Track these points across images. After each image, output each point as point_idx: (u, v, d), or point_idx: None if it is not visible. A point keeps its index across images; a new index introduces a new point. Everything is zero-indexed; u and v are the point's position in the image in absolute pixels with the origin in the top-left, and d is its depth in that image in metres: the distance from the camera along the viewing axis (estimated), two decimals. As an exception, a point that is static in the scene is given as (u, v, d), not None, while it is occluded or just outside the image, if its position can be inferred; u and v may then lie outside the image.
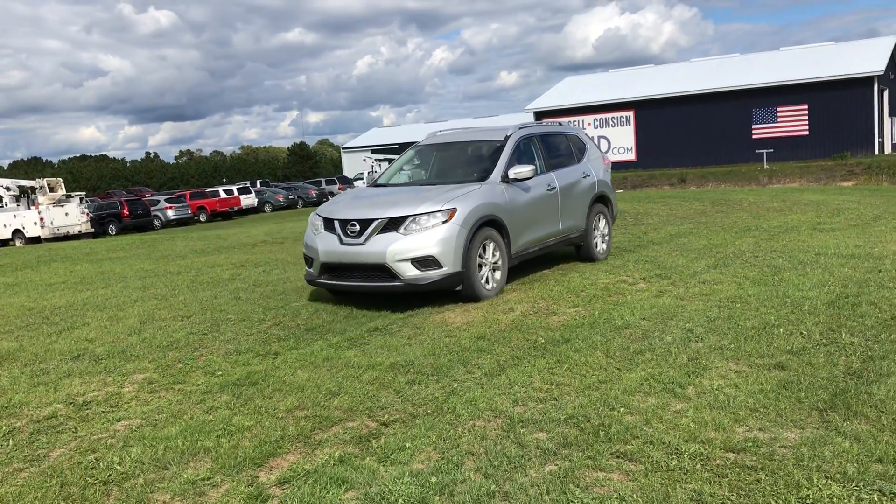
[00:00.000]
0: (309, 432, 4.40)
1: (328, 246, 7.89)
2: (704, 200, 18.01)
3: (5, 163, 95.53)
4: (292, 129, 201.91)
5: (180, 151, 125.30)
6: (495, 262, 8.05)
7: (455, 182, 8.42)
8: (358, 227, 7.71)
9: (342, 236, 7.80)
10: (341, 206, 8.34)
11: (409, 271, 7.46)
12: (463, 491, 3.53)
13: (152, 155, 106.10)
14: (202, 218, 42.19)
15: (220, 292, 9.26)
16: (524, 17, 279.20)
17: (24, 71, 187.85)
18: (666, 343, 5.71)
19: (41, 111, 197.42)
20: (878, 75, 35.62)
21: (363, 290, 7.90)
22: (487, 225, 7.91)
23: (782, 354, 5.27)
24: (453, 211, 7.59)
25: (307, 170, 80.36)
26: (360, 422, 4.53)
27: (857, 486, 3.35)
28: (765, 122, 38.54)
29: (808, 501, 3.26)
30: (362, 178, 50.23)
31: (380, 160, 50.93)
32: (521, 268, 9.07)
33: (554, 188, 9.11)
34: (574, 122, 39.17)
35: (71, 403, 5.19)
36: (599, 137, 42.34)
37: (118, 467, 4.04)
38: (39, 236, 29.94)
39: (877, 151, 36.18)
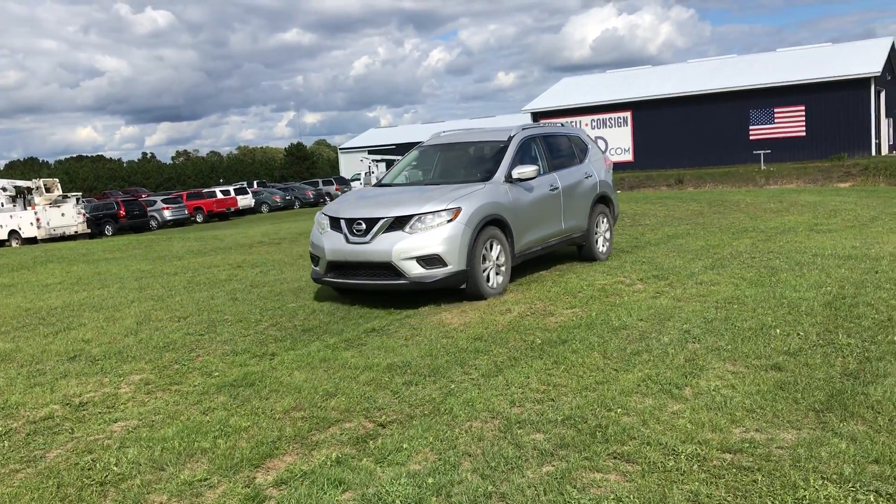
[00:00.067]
0: (306, 433, 4.39)
1: (334, 244, 7.96)
2: (702, 201, 18.03)
3: (1, 163, 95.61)
4: (289, 130, 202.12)
5: (177, 152, 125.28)
6: (499, 261, 8.13)
7: (459, 182, 8.50)
8: (364, 225, 7.78)
9: (348, 235, 7.87)
10: (347, 205, 8.40)
11: (415, 269, 7.53)
12: (460, 492, 3.53)
13: (149, 155, 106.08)
14: (199, 219, 42.16)
15: (216, 293, 9.25)
16: (522, 18, 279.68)
17: (21, 71, 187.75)
18: (663, 344, 5.72)
19: (38, 111, 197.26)
20: (875, 76, 35.70)
21: (369, 288, 7.97)
22: (491, 224, 7.99)
23: (779, 355, 5.27)
24: (458, 210, 7.67)
25: (304, 170, 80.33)
26: (357, 423, 4.53)
27: (853, 486, 3.36)
28: (762, 124, 38.61)
29: (804, 502, 3.26)
30: (359, 179, 50.21)
31: (377, 161, 50.95)
32: (518, 269, 9.07)
33: (557, 188, 9.19)
34: (571, 122, 39.13)
35: (67, 404, 5.18)
36: (597, 138, 42.34)
37: (115, 468, 4.04)
38: (36, 237, 29.88)
39: (873, 153, 36.26)
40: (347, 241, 7.86)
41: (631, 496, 3.39)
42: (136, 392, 5.38)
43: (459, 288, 7.80)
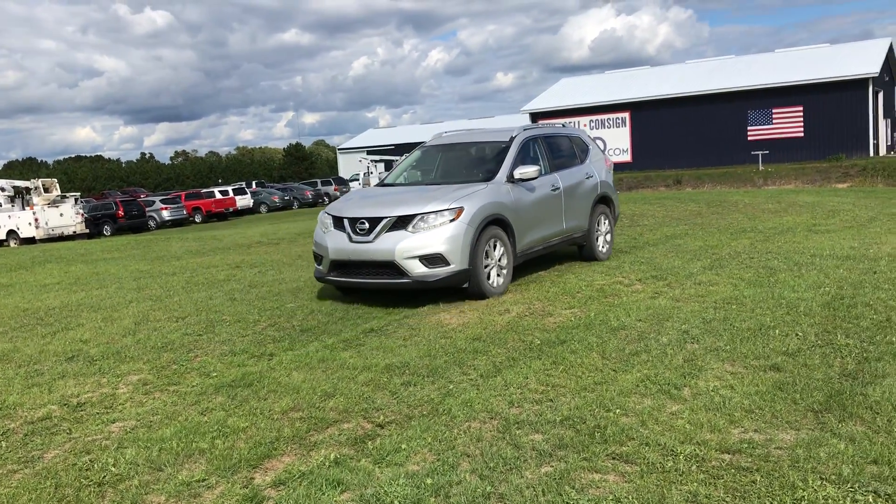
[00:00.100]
0: (304, 434, 4.39)
1: (338, 243, 8.01)
2: (700, 202, 18.04)
3: (0, 163, 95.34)
4: (288, 130, 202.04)
5: (176, 152, 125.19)
6: (501, 261, 8.19)
7: (461, 182, 8.56)
8: (367, 225, 7.84)
9: (352, 234, 7.93)
10: (351, 204, 8.46)
11: (418, 268, 7.59)
12: (458, 492, 3.52)
13: (148, 156, 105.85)
14: (197, 219, 42.15)
15: (215, 293, 9.24)
16: (520, 19, 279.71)
17: (20, 71, 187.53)
18: (662, 344, 5.72)
19: (36, 111, 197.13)
20: (873, 77, 35.73)
21: (372, 287, 8.02)
22: (494, 224, 8.06)
23: (778, 356, 5.28)
24: (460, 210, 7.72)
25: (303, 171, 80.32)
26: (355, 423, 4.52)
27: (852, 487, 3.36)
28: (760, 124, 38.63)
29: (803, 502, 3.26)
30: (358, 179, 50.18)
31: (376, 161, 50.90)
32: (517, 269, 9.07)
33: (558, 188, 9.25)
34: (570, 123, 39.19)
35: (65, 405, 5.17)
36: (595, 139, 42.28)
37: (113, 469, 4.03)
38: (34, 237, 29.85)
39: (871, 153, 36.29)
40: (351, 240, 7.91)
41: (629, 497, 3.39)
42: (134, 392, 5.37)
43: (462, 287, 7.85)
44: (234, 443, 4.29)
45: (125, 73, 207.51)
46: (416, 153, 10.04)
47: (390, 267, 7.68)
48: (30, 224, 30.18)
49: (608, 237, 10.36)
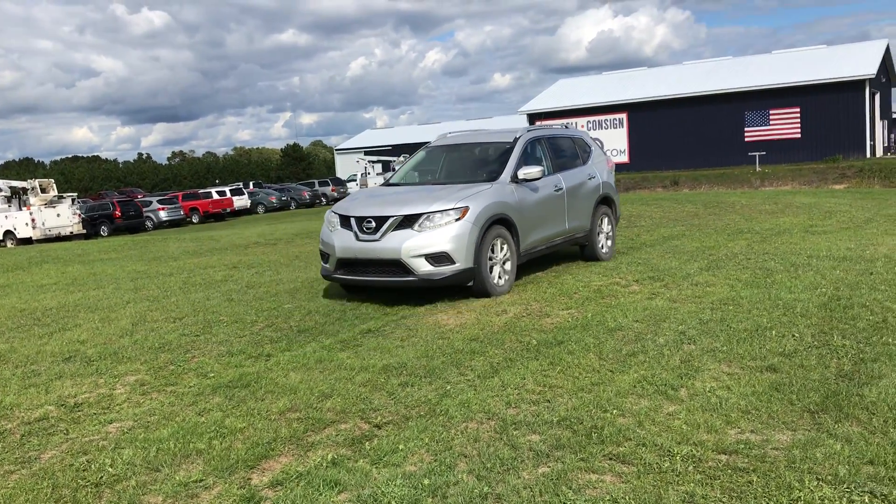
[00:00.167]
0: (301, 434, 4.39)
1: (344, 242, 8.09)
2: (697, 203, 18.07)
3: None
4: (285, 131, 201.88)
5: (173, 152, 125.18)
6: (505, 260, 8.27)
7: (466, 182, 8.64)
8: (374, 223, 7.92)
9: (358, 233, 8.01)
10: (357, 203, 8.55)
11: (424, 267, 7.67)
12: (456, 493, 3.53)
13: (145, 156, 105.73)
14: (195, 219, 42.07)
15: (212, 294, 9.24)
16: (518, 19, 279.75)
17: (17, 71, 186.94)
18: (658, 345, 5.73)
19: (33, 111, 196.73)
20: (870, 78, 35.79)
21: (378, 285, 8.10)
22: (498, 223, 8.14)
23: (774, 357, 5.29)
24: (466, 209, 7.81)
25: (300, 171, 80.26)
26: (352, 424, 4.53)
27: (848, 487, 3.37)
28: (757, 125, 38.67)
29: (799, 503, 3.27)
30: (355, 180, 50.18)
31: (373, 162, 50.93)
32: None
33: (561, 189, 9.34)
34: (567, 124, 39.20)
35: (62, 405, 5.17)
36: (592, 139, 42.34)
37: (110, 469, 4.03)
38: (31, 237, 29.81)
39: (868, 154, 36.35)
40: (357, 238, 8.00)
41: (626, 497, 3.39)
42: (132, 393, 5.37)
43: (466, 285, 7.93)
44: (232, 443, 4.29)
45: (122, 73, 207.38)
46: (421, 153, 10.13)
47: (396, 265, 7.77)
48: (27, 224, 30.14)
49: (610, 237, 10.44)
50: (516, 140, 9.15)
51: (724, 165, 38.27)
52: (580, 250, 10.22)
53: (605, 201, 10.39)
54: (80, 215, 32.24)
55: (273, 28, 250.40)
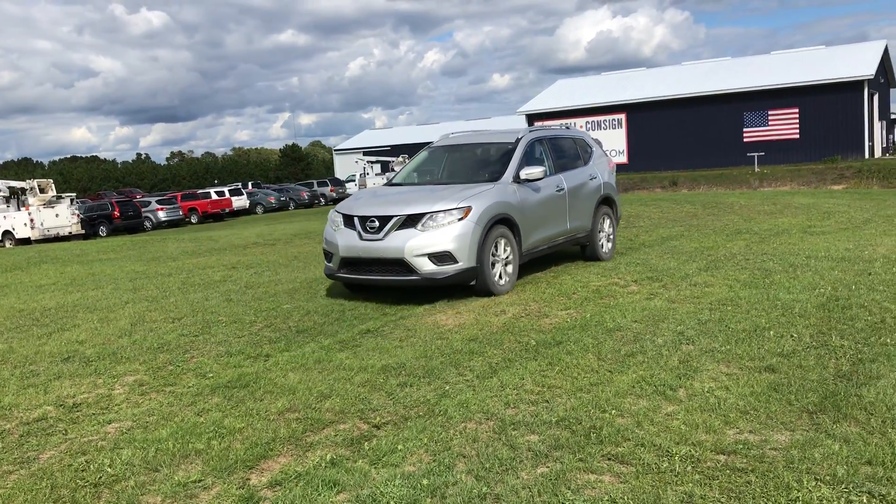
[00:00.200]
0: (300, 434, 4.39)
1: (348, 241, 8.15)
2: (696, 203, 18.08)
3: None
4: (284, 131, 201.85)
5: (172, 153, 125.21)
6: (507, 259, 8.32)
7: (468, 182, 8.70)
8: (377, 223, 7.97)
9: (362, 232, 8.06)
10: (361, 203, 8.60)
11: (427, 266, 7.73)
12: (454, 493, 3.53)
13: (143, 156, 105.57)
14: (193, 219, 42.06)
15: (211, 294, 9.23)
16: (517, 20, 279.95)
17: (15, 71, 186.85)
18: (657, 345, 5.73)
19: (32, 112, 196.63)
20: (868, 79, 35.85)
21: (381, 284, 8.15)
22: (500, 223, 8.20)
23: (773, 357, 5.29)
24: (469, 209, 7.86)
25: (299, 171, 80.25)
26: (351, 424, 4.53)
27: (846, 488, 3.37)
28: (756, 126, 38.72)
29: (797, 503, 3.27)
30: (354, 180, 50.16)
31: (372, 162, 50.91)
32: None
33: (562, 189, 9.39)
34: (566, 124, 39.21)
35: (61, 405, 5.16)
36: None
37: (109, 469, 4.03)
38: (30, 238, 29.78)
39: (867, 155, 36.39)
40: (361, 237, 8.05)
41: (625, 497, 3.40)
42: (130, 393, 5.37)
43: (469, 285, 7.98)
44: (231, 443, 4.29)
45: (121, 73, 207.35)
46: (424, 154, 10.18)
47: (400, 264, 7.83)
48: (25, 225, 30.11)
49: (611, 237, 10.50)
50: (518, 141, 9.21)
51: (722, 166, 38.31)
52: (581, 250, 10.27)
53: (606, 202, 10.45)
54: (78, 215, 32.20)
55: (272, 28, 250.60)
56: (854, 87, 36.19)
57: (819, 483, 3.42)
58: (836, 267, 8.56)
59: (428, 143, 10.50)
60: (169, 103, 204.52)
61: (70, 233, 31.13)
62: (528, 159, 9.08)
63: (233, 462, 4.03)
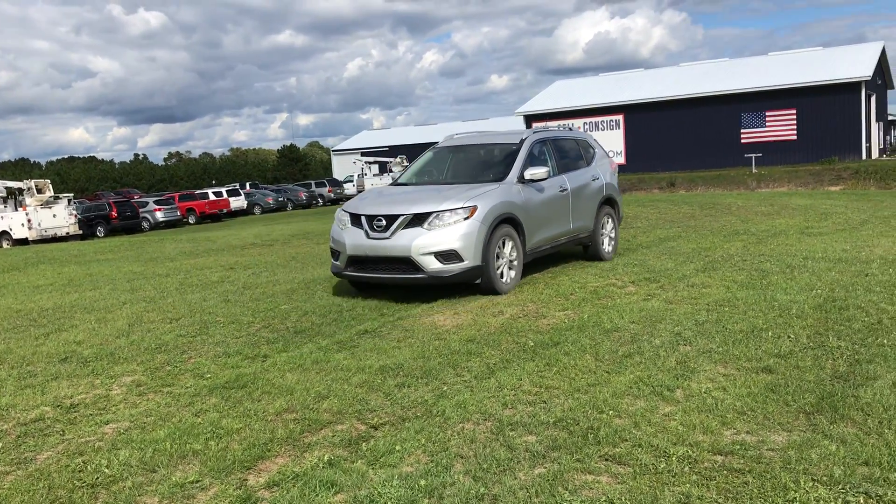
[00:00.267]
0: (298, 435, 4.39)
1: (355, 240, 8.24)
2: (693, 204, 18.10)
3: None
4: (282, 132, 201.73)
5: (169, 153, 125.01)
6: (512, 258, 8.41)
7: (473, 182, 8.79)
8: (384, 222, 8.07)
9: (369, 231, 8.17)
10: (367, 202, 8.70)
11: (433, 264, 7.83)
12: (452, 494, 3.53)
13: (141, 156, 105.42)
14: (191, 220, 42.01)
15: (209, 295, 9.23)
16: (515, 21, 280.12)
17: (13, 71, 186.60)
18: (654, 346, 5.74)
19: (29, 112, 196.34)
20: (866, 80, 35.90)
21: (388, 282, 8.24)
22: (505, 223, 8.30)
23: (770, 358, 5.30)
24: (474, 208, 7.97)
25: (297, 172, 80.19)
26: (349, 424, 4.53)
27: (843, 488, 3.38)
28: (753, 127, 38.76)
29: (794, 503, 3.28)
30: (352, 181, 50.15)
31: (370, 163, 50.88)
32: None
33: (566, 189, 9.49)
34: (564, 125, 39.21)
35: (58, 406, 5.16)
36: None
37: (106, 470, 4.02)
38: (27, 238, 29.73)
39: (864, 156, 36.44)
40: (368, 236, 8.15)
41: (622, 498, 3.40)
42: (128, 394, 5.37)
43: (474, 283, 8.06)
44: (228, 444, 4.29)
45: (119, 73, 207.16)
46: (429, 154, 10.26)
47: (406, 263, 7.93)
48: (23, 225, 30.05)
49: (613, 237, 10.58)
50: (522, 141, 9.30)
51: (720, 167, 38.34)
52: (583, 250, 10.36)
53: (609, 202, 10.56)
54: (76, 216, 32.14)
55: (270, 29, 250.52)
56: (851, 88, 36.24)
57: (816, 484, 3.43)
58: (834, 268, 8.58)
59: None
60: (167, 104, 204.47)
61: (67, 233, 31.08)
62: (533, 160, 9.18)
63: (230, 462, 4.03)
